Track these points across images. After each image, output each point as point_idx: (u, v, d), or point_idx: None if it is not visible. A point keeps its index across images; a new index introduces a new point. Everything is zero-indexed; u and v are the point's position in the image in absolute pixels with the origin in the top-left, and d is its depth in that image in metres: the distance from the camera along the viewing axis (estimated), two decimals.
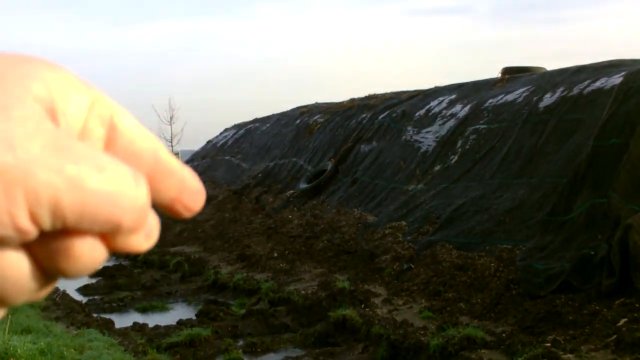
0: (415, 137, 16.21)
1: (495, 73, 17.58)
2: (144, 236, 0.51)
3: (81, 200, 0.46)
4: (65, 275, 0.49)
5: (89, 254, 0.49)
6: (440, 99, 17.20)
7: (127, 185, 0.48)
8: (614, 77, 12.06)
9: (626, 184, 9.46)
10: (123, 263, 17.79)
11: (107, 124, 0.53)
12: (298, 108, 25.54)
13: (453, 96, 16.92)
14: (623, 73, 11.74)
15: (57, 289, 13.83)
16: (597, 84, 12.28)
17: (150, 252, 17.84)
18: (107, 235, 0.50)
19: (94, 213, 0.47)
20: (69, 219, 0.46)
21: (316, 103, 25.33)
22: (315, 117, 22.41)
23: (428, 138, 15.68)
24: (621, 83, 11.17)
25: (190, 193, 0.57)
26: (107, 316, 11.95)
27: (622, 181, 9.51)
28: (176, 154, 43.88)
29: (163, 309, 12.99)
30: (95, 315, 11.96)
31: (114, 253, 0.52)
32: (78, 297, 13.93)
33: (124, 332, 10.69)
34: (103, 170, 0.47)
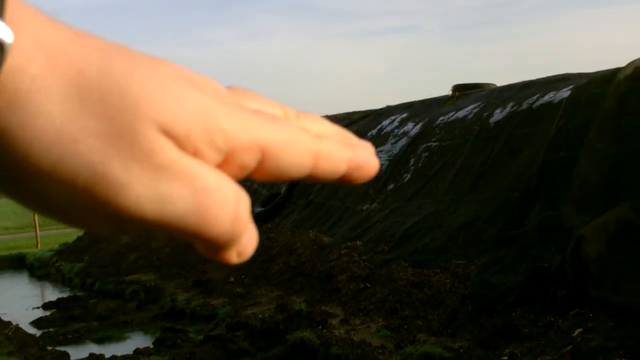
0: None
1: (446, 90, 17.73)
2: (236, 253, 0.55)
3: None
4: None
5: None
6: (392, 118, 17.28)
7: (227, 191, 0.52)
8: (562, 91, 12.19)
9: (577, 196, 9.54)
10: (78, 294, 17.58)
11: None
12: None
13: (404, 115, 17.00)
14: (571, 87, 11.88)
15: (9, 323, 13.62)
16: (546, 98, 12.39)
17: (105, 282, 17.66)
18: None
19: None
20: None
21: None
22: None
23: (381, 157, 15.71)
24: (569, 97, 11.30)
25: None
26: (62, 349, 11.74)
27: (573, 193, 9.60)
28: None
29: (120, 338, 12.82)
30: (50, 348, 11.74)
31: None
32: (32, 330, 13.69)
33: None
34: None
